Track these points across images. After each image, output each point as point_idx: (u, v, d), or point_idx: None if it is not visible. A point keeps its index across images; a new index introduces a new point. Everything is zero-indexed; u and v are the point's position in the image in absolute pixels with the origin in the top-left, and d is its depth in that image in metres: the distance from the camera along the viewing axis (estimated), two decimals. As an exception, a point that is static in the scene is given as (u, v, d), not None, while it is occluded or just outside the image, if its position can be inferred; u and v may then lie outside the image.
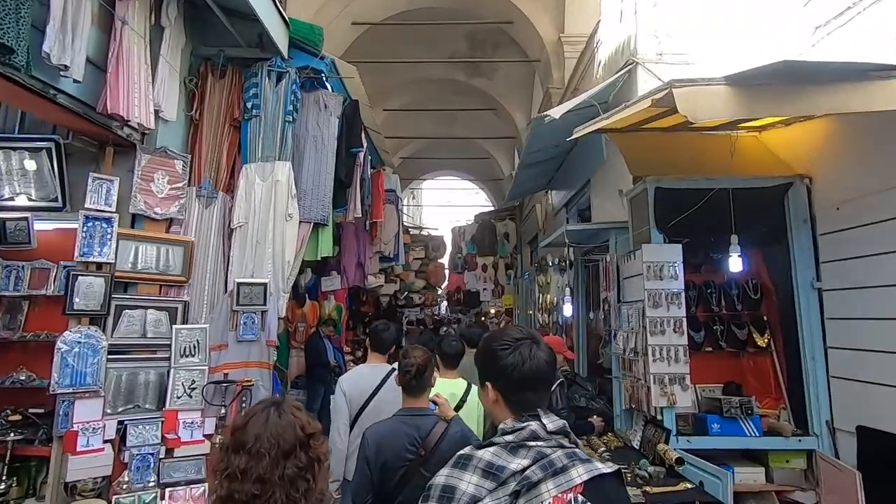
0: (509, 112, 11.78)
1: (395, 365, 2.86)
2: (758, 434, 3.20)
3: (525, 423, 1.12)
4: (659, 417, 3.24)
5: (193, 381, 3.82)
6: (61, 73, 2.88)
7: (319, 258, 5.00)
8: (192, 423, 3.75)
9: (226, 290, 4.22)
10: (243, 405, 3.88)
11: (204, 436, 3.79)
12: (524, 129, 11.68)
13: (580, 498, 1.01)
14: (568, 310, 3.84)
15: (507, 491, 1.04)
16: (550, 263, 6.90)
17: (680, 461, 2.79)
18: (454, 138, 13.02)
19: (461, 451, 1.15)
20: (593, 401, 4.04)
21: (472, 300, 11.74)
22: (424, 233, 12.63)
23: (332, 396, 3.01)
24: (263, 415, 1.29)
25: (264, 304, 4.16)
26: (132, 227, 3.85)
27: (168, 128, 4.11)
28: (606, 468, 1.07)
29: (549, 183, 7.63)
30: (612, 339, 3.87)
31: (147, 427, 3.59)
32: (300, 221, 4.50)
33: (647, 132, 3.82)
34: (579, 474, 1.04)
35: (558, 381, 3.35)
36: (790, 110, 2.17)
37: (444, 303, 13.57)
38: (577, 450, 1.12)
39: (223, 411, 3.82)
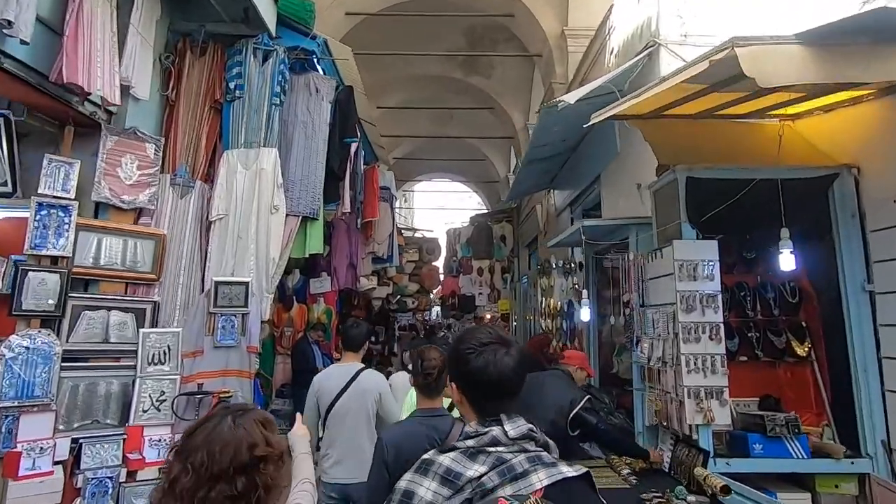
0: (507, 111, 11.43)
1: (364, 365, 3.01)
2: (805, 455, 2.83)
3: (487, 429, 1.09)
4: (694, 436, 2.85)
5: (163, 393, 3.37)
6: (4, 30, 2.45)
7: (308, 256, 4.57)
8: (160, 440, 3.30)
9: (202, 290, 3.77)
10: (220, 419, 3.43)
11: (174, 455, 3.34)
12: (522, 128, 11.34)
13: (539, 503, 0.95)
14: (586, 314, 3.46)
15: (461, 498, 1.01)
16: (554, 266, 6.53)
17: (726, 489, 2.40)
18: (449, 137, 12.64)
19: (425, 455, 1.12)
20: (611, 415, 3.65)
21: (468, 305, 11.32)
22: (418, 235, 12.20)
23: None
24: (213, 422, 1.13)
25: (245, 306, 3.72)
26: (95, 216, 3.40)
27: (139, 108, 3.68)
28: (572, 472, 1.03)
29: (552, 182, 7.27)
30: (634, 346, 3.48)
31: (106, 446, 3.13)
32: (287, 214, 4.07)
33: (671, 119, 3.47)
34: (539, 479, 1.00)
35: (585, 398, 2.95)
36: (881, 73, 1.82)
37: (437, 308, 13.12)
38: (542, 453, 1.08)
39: (196, 427, 3.37)
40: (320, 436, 2.91)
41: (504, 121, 11.99)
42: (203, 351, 3.59)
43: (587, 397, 2.99)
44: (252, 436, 1.12)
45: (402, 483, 1.10)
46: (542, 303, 6.62)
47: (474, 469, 1.04)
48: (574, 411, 2.92)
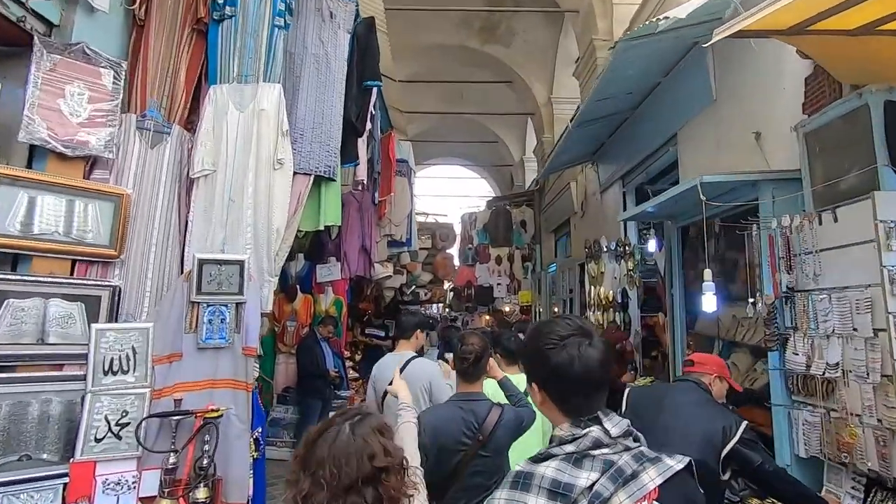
0: (528, 84, 10.42)
1: (415, 353, 2.95)
2: None
3: (585, 430, 0.99)
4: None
5: (125, 413, 2.42)
6: None
7: (322, 228, 3.58)
8: (120, 481, 2.34)
9: (181, 272, 2.79)
10: (206, 448, 2.47)
11: (140, 501, 2.38)
12: (545, 102, 10.35)
13: None
14: (710, 303, 2.50)
15: None
16: (605, 248, 5.56)
17: None
18: (464, 113, 11.65)
19: (518, 468, 1.02)
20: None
21: (485, 296, 10.36)
22: (431, 220, 11.21)
23: None
24: (333, 432, 1.12)
25: (240, 293, 2.75)
26: (29, 166, 2.42)
27: (95, 21, 2.68)
28: (678, 464, 0.97)
29: (595, 153, 6.30)
30: (778, 347, 2.52)
31: (37, 495, 2.16)
32: (295, 172, 3.08)
33: (824, 34, 2.50)
34: (651, 478, 0.93)
35: (742, 426, 1.99)
36: None
37: (450, 299, 12.14)
38: (642, 448, 1.00)
39: (173, 459, 2.40)
40: None
41: (523, 96, 10.98)
42: (182, 354, 2.62)
43: (745, 424, 2.03)
44: (370, 445, 1.11)
45: (503, 496, 0.97)
46: (590, 292, 5.66)
47: (585, 477, 0.94)
48: (730, 445, 1.97)
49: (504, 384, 2.37)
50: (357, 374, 7.00)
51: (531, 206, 10.62)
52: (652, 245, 4.52)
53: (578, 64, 7.24)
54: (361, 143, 4.07)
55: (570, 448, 0.98)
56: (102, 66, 2.59)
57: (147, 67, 2.87)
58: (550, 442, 1.04)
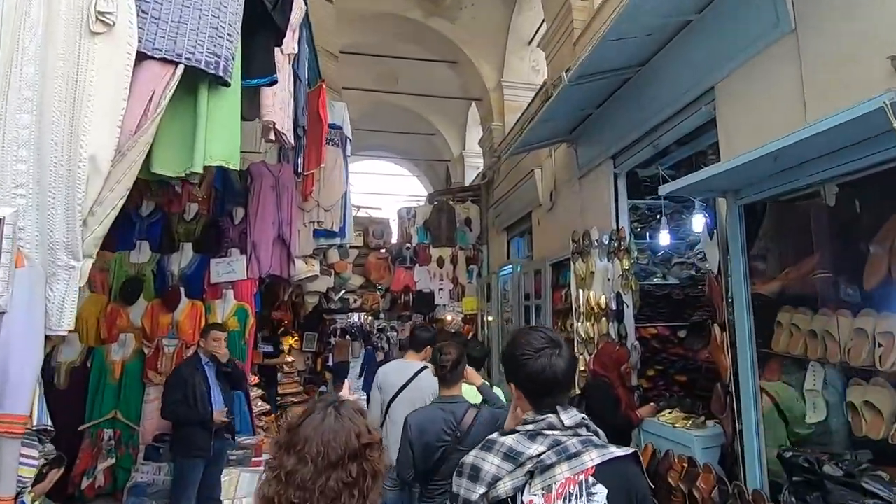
0: (475, 65, 9.29)
1: (426, 363, 3.09)
2: None
3: (544, 416, 1.24)
4: None
5: None
6: None
7: (198, 172, 1.99)
8: None
9: None
10: None
11: None
12: (495, 87, 9.27)
13: (591, 479, 1.16)
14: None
15: (523, 471, 1.19)
16: (595, 242, 4.45)
17: None
18: (401, 94, 10.28)
19: (489, 437, 1.29)
20: None
21: (425, 303, 8.98)
22: (363, 213, 9.63)
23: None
24: (319, 415, 1.16)
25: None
26: None
27: None
28: (621, 451, 1.21)
29: (574, 131, 5.22)
30: None
31: None
32: (148, 56, 1.55)
33: None
34: (591, 458, 1.18)
35: None
36: None
37: (383, 306, 10.57)
38: (593, 437, 1.24)
39: None
40: (381, 422, 3.03)
41: (469, 79, 9.84)
42: None
43: None
44: (356, 425, 1.16)
45: (469, 458, 1.27)
46: (579, 298, 4.50)
47: (534, 448, 1.20)
48: None
49: (482, 389, 2.77)
50: (268, 406, 5.31)
51: (477, 202, 9.46)
52: (696, 220, 3.40)
53: (548, 31, 6.19)
54: (282, 58, 2.57)
55: (529, 427, 1.25)
56: None
57: None
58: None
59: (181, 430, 3.65)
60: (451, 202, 9.29)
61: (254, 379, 5.08)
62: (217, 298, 4.24)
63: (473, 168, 12.09)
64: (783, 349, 2.49)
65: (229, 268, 4.22)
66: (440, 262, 9.04)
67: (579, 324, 4.45)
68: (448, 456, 2.20)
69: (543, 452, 1.18)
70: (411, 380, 3.02)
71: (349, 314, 15.41)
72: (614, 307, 4.26)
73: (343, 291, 8.02)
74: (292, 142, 3.25)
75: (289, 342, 7.85)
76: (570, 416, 1.23)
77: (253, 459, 4.01)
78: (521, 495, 1.17)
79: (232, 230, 4.43)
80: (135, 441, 3.96)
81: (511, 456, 1.20)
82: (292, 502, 1.06)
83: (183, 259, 4.25)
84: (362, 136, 12.74)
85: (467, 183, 11.38)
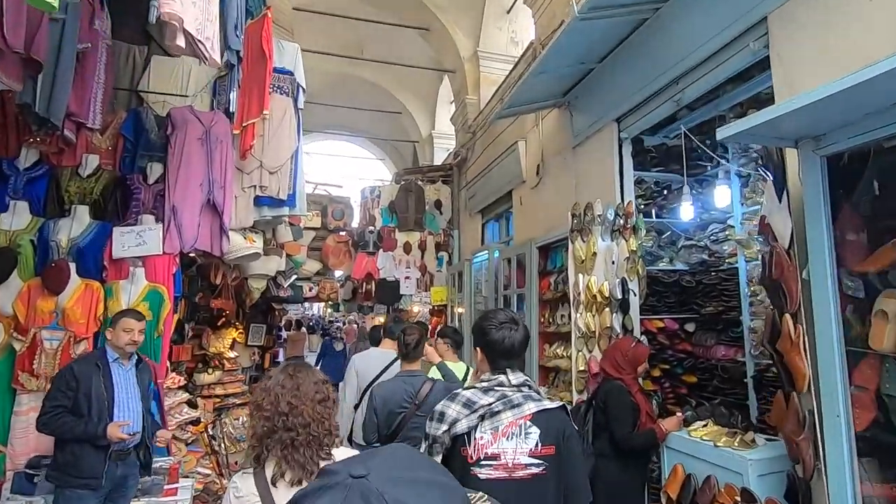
0: (449, 32, 8.46)
1: (397, 354, 3.20)
2: None
3: (496, 377, 1.63)
4: None
5: None
6: None
7: None
8: None
9: None
10: None
11: None
12: (471, 56, 8.46)
13: (528, 423, 1.55)
14: None
15: (476, 415, 1.56)
16: (598, 217, 3.73)
17: None
18: (367, 60, 9.31)
19: (455, 391, 1.69)
20: None
21: (389, 293, 8.09)
22: (321, 191, 8.59)
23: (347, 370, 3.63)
24: (286, 372, 1.59)
25: None
26: None
27: None
28: (552, 404, 1.61)
29: (569, 93, 4.49)
30: None
31: None
32: None
33: None
34: (529, 408, 1.57)
35: None
36: None
37: (342, 296, 9.57)
38: (532, 394, 1.62)
39: None
40: (356, 402, 3.39)
41: (442, 49, 9.00)
42: None
43: None
44: (317, 377, 1.59)
45: (438, 406, 1.64)
46: (578, 284, 3.77)
47: (487, 400, 1.58)
48: None
49: (440, 367, 3.06)
50: (196, 413, 4.34)
51: (448, 183, 8.66)
52: (720, 194, 2.73)
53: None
54: None
55: (483, 384, 1.63)
56: None
57: None
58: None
59: (64, 451, 2.69)
60: (419, 182, 8.43)
61: (176, 379, 4.11)
62: (122, 278, 3.26)
63: (443, 150, 11.27)
64: (891, 347, 1.82)
65: (139, 239, 3.25)
66: (407, 248, 8.20)
67: (578, 315, 3.73)
68: (406, 421, 2.56)
69: (493, 402, 1.58)
70: (389, 365, 3.38)
71: (303, 304, 14.30)
72: (619, 295, 3.57)
73: (295, 277, 7.03)
74: (217, 59, 2.35)
75: (231, 335, 6.83)
76: (516, 377, 1.63)
77: (166, 488, 3.09)
78: (475, 433, 1.56)
79: (145, 192, 3.44)
80: (0, 467, 2.95)
81: (468, 404, 1.59)
82: (284, 412, 1.46)
83: (75, 226, 3.23)
84: (321, 112, 11.66)
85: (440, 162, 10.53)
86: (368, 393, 2.75)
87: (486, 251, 6.59)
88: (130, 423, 2.77)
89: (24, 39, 2.56)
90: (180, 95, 3.74)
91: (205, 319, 6.31)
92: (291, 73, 4.12)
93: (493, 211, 7.05)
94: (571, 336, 3.79)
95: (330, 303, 10.67)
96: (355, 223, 8.59)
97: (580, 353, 3.69)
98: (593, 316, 3.68)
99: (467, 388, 1.64)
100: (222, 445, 5.64)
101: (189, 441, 3.96)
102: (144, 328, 2.84)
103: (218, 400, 6.29)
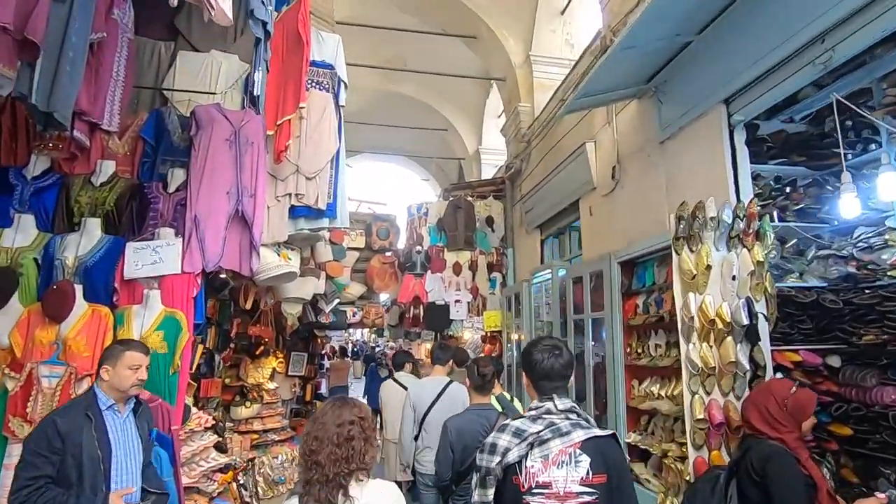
0: (498, 38, 7.94)
1: (450, 379, 3.64)
2: None
3: (543, 404, 1.69)
4: None
5: None
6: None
7: None
8: None
9: None
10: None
11: None
12: (523, 62, 7.89)
13: (577, 451, 1.58)
14: None
15: (526, 444, 1.60)
16: (711, 221, 2.94)
17: None
18: (411, 72, 8.90)
19: (503, 421, 1.80)
20: None
21: (439, 318, 7.42)
22: (365, 209, 8.11)
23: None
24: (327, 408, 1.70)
25: None
26: None
27: None
28: (601, 432, 1.64)
29: (653, 79, 3.78)
30: None
31: None
32: None
33: None
34: (578, 436, 1.60)
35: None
36: None
37: (387, 322, 8.95)
38: (581, 421, 1.66)
39: None
40: (416, 433, 3.45)
41: (490, 56, 8.48)
42: None
43: None
44: (344, 417, 1.60)
45: (490, 438, 1.70)
46: (689, 306, 2.94)
47: (535, 428, 1.63)
48: None
49: (499, 398, 3.13)
50: (224, 459, 3.76)
51: (500, 198, 8.00)
52: (887, 181, 1.91)
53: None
54: None
55: (532, 413, 1.70)
56: None
57: None
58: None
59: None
60: (469, 198, 7.82)
61: (203, 420, 3.55)
62: (135, 303, 2.75)
63: (491, 166, 10.65)
64: None
65: (155, 255, 2.74)
66: (456, 269, 7.54)
67: (690, 346, 2.91)
68: None
69: (541, 430, 1.61)
70: (443, 391, 3.46)
71: (347, 330, 13.75)
72: (745, 320, 2.74)
73: (337, 301, 6.49)
74: (226, 10, 1.81)
75: (271, 364, 6.32)
76: (563, 403, 1.67)
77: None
78: (525, 461, 1.59)
79: (164, 201, 2.96)
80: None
81: (518, 433, 1.63)
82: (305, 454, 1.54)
83: (85, 241, 2.77)
84: (363, 132, 11.37)
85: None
86: (442, 428, 2.78)
87: (549, 269, 5.83)
88: (134, 491, 2.19)
89: (12, 13, 2.13)
90: (208, 93, 3.30)
91: (243, 348, 5.83)
92: (332, 67, 3.62)
93: (553, 225, 6.30)
94: (682, 373, 2.96)
95: (374, 328, 10.09)
96: (401, 243, 8.04)
97: (696, 396, 2.86)
98: (710, 347, 2.85)
99: (516, 419, 1.72)
100: (257, 491, 5.05)
101: (215, 494, 3.36)
102: (149, 364, 2.28)
103: (256, 436, 5.76)
